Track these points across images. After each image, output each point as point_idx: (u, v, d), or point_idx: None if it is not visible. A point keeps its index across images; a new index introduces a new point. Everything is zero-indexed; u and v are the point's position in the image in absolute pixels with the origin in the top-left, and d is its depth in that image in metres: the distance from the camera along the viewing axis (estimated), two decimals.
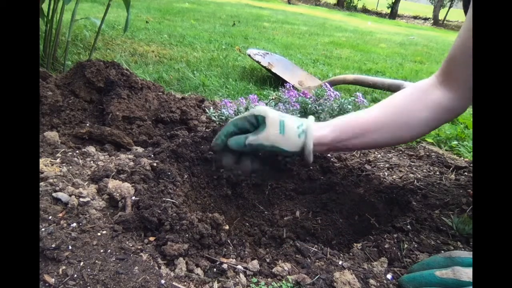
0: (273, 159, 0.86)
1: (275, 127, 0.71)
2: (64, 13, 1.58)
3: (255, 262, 0.61)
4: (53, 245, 0.55)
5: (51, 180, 0.71)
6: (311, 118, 0.76)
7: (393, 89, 1.80)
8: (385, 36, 5.41)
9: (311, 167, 0.99)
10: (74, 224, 0.62)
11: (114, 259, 0.56)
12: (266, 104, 1.16)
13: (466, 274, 0.51)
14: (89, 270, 0.52)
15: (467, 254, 0.54)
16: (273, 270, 0.59)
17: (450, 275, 0.52)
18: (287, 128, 0.71)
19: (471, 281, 0.50)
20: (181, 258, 0.59)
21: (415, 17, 14.23)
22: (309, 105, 1.23)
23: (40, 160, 0.77)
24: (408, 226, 0.72)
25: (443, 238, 0.68)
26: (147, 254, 0.58)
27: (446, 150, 1.21)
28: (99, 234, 0.61)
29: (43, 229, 0.58)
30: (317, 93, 1.31)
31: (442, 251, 0.63)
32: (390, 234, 0.70)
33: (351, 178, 0.94)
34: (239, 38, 3.36)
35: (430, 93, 0.74)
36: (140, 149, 0.96)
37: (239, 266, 0.59)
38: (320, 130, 0.73)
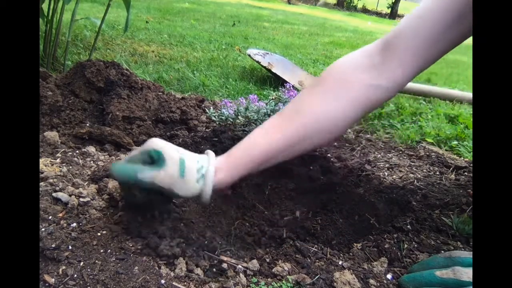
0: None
1: (175, 168, 0.58)
2: (64, 13, 1.58)
3: (255, 262, 0.61)
4: (53, 245, 0.55)
5: (51, 180, 0.71)
6: (211, 155, 0.65)
7: None
8: None
9: (311, 167, 0.99)
10: (74, 224, 0.62)
11: (114, 259, 0.56)
12: (266, 104, 1.16)
13: (466, 274, 0.51)
14: (89, 270, 0.52)
15: (467, 254, 0.55)
16: (273, 270, 0.59)
17: (450, 275, 0.52)
18: (187, 170, 0.59)
19: (471, 281, 0.50)
20: (181, 258, 0.59)
21: None
22: None
23: (40, 160, 0.77)
24: (408, 226, 0.72)
25: (443, 238, 0.68)
26: (147, 254, 0.58)
27: (446, 150, 1.21)
28: (99, 234, 0.61)
29: (43, 229, 0.58)
30: None
31: (442, 251, 0.63)
32: (390, 234, 0.70)
33: (351, 178, 0.94)
34: (239, 38, 3.36)
35: (356, 81, 0.65)
36: None
37: (239, 266, 0.59)
38: (220, 173, 0.63)
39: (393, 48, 0.64)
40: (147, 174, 0.58)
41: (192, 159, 0.61)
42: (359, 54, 0.68)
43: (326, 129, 0.66)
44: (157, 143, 0.61)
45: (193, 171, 0.60)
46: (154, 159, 0.59)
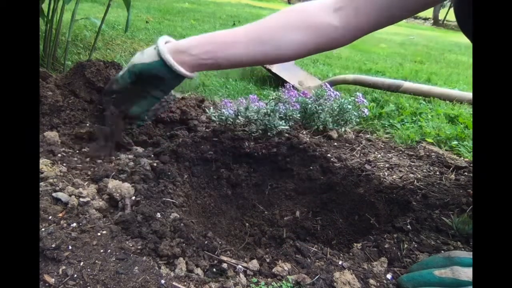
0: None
1: (136, 56, 0.78)
2: (64, 13, 1.58)
3: (255, 262, 0.61)
4: (53, 245, 0.55)
5: (51, 180, 0.71)
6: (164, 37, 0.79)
7: (393, 89, 1.80)
8: (385, 36, 5.41)
9: (311, 167, 0.99)
10: (74, 224, 0.62)
11: (114, 259, 0.56)
12: (266, 104, 1.16)
13: (465, 273, 0.51)
14: (89, 270, 0.52)
15: (466, 254, 0.55)
16: (273, 270, 0.59)
17: (449, 275, 0.52)
18: (145, 52, 0.77)
19: (470, 280, 0.50)
20: (181, 258, 0.59)
21: (415, 17, 14.23)
22: (309, 105, 1.23)
23: (40, 160, 0.77)
24: (408, 226, 0.72)
25: (443, 238, 0.68)
26: (147, 254, 0.59)
27: (446, 150, 1.21)
28: (99, 234, 0.61)
29: (43, 229, 0.58)
30: (317, 93, 1.31)
31: (442, 251, 0.63)
32: (390, 234, 0.70)
33: (351, 178, 0.94)
34: None
35: (316, 17, 0.71)
36: (140, 149, 0.96)
37: (239, 266, 0.59)
38: (179, 42, 0.76)
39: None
40: (120, 72, 0.81)
41: (149, 48, 0.78)
42: None
43: (285, 56, 0.75)
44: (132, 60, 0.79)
45: (150, 50, 0.77)
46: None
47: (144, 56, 0.77)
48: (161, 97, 0.83)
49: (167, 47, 0.75)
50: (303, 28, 0.72)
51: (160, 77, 0.77)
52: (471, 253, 0.55)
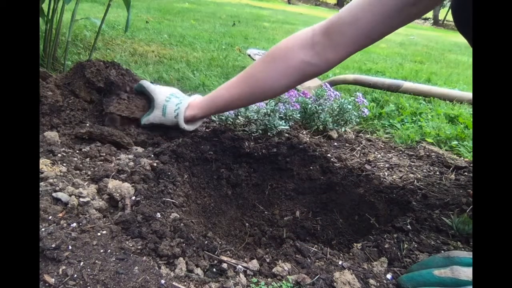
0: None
1: (159, 110, 0.99)
2: (64, 13, 1.58)
3: (255, 262, 0.61)
4: (53, 245, 0.55)
5: (51, 180, 0.71)
6: (193, 97, 1.00)
7: (393, 89, 1.80)
8: None
9: (311, 167, 0.99)
10: (74, 224, 0.62)
11: (114, 259, 0.56)
12: (266, 104, 1.16)
13: (465, 273, 0.51)
14: (89, 270, 0.52)
15: (466, 254, 0.55)
16: (273, 270, 0.59)
17: (449, 274, 0.52)
18: (167, 111, 0.98)
19: (469, 280, 0.50)
20: (181, 258, 0.59)
21: None
22: (309, 105, 1.23)
23: (40, 160, 0.77)
24: (408, 226, 0.72)
25: (443, 238, 0.68)
26: (147, 254, 0.59)
27: (446, 150, 1.21)
28: (99, 234, 0.61)
29: (43, 229, 0.58)
30: (317, 93, 1.31)
31: (442, 251, 0.63)
32: (390, 234, 0.70)
33: (351, 178, 0.94)
34: (239, 38, 3.36)
35: (296, 59, 0.81)
36: (140, 149, 0.96)
37: (239, 266, 0.59)
38: (193, 110, 0.97)
39: (332, 33, 0.77)
40: (145, 119, 1.01)
41: (173, 103, 0.98)
42: (305, 32, 0.82)
43: (267, 91, 0.88)
44: (151, 89, 1.01)
45: (171, 110, 0.98)
46: (150, 100, 1.02)
47: (168, 121, 0.99)
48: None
49: (182, 119, 0.97)
50: (287, 75, 0.84)
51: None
52: (471, 253, 0.55)
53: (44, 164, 0.76)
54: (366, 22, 0.71)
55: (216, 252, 0.62)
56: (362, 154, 1.10)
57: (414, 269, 0.59)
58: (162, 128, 1.03)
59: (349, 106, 1.24)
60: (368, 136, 1.28)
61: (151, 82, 1.10)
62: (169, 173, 0.82)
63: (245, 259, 0.62)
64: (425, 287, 0.53)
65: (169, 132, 1.04)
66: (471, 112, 1.51)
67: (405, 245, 0.66)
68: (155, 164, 0.85)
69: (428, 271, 0.55)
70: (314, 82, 1.97)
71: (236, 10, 6.15)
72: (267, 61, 0.86)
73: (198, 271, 0.58)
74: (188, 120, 0.98)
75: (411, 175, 0.96)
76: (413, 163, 1.06)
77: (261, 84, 0.87)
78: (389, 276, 0.59)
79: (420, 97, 1.78)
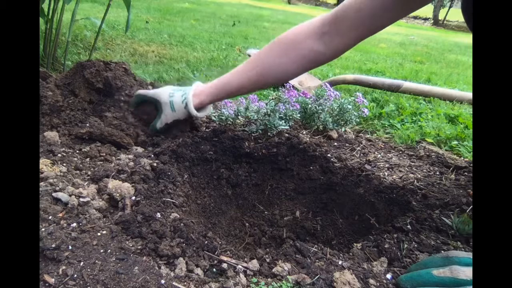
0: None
1: (168, 108, 0.98)
2: (64, 13, 1.58)
3: (255, 262, 0.61)
4: (53, 245, 0.55)
5: (51, 180, 0.71)
6: (194, 86, 1.00)
7: (393, 89, 1.80)
8: (385, 36, 5.41)
9: (311, 167, 0.99)
10: (74, 224, 0.62)
11: (114, 259, 0.56)
12: (266, 104, 1.16)
13: (464, 272, 0.51)
14: (89, 270, 0.52)
15: (465, 254, 0.54)
16: (273, 270, 0.59)
17: (448, 274, 0.52)
18: (175, 105, 0.97)
19: (468, 279, 0.50)
20: (181, 258, 0.59)
21: (415, 17, 14.21)
22: (309, 105, 1.23)
23: (40, 160, 0.77)
24: (408, 226, 0.72)
25: (443, 238, 0.68)
26: (147, 254, 0.58)
27: (446, 150, 1.21)
28: (99, 234, 0.61)
29: (43, 229, 0.58)
30: (317, 93, 1.31)
31: (442, 251, 0.63)
32: (390, 234, 0.70)
33: (351, 178, 0.94)
34: (239, 38, 3.36)
35: (305, 47, 0.84)
36: (140, 149, 0.96)
37: (239, 266, 0.59)
38: (200, 97, 0.98)
39: (339, 23, 0.80)
40: (158, 123, 1.00)
41: (178, 96, 0.98)
42: (314, 22, 0.85)
43: (277, 77, 0.91)
44: (154, 94, 1.00)
45: (179, 104, 0.97)
46: (156, 105, 1.00)
47: (179, 114, 0.99)
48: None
49: (192, 107, 0.97)
50: (296, 62, 0.86)
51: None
52: (470, 253, 0.55)
53: (44, 164, 0.76)
54: (368, 12, 0.75)
55: (216, 252, 0.62)
56: (362, 154, 1.10)
57: (413, 269, 0.59)
58: (177, 125, 1.03)
59: (349, 106, 1.24)
60: (368, 136, 1.28)
61: (151, 83, 1.10)
62: (169, 173, 0.82)
63: (245, 259, 0.62)
64: (424, 287, 0.53)
65: (179, 127, 1.04)
66: (471, 112, 1.51)
67: (405, 245, 0.66)
68: (155, 164, 0.85)
69: (427, 271, 0.55)
70: (314, 82, 1.97)
71: (236, 10, 6.15)
72: (276, 49, 0.88)
73: (198, 271, 0.58)
74: (197, 108, 0.98)
75: (411, 175, 0.96)
76: (413, 163, 1.06)
77: (269, 71, 0.89)
78: (389, 276, 0.59)
79: (420, 97, 1.78)
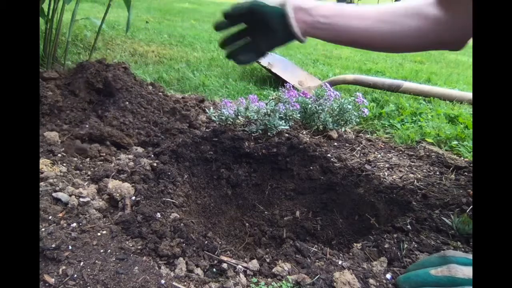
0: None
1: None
2: (64, 13, 1.58)
3: (255, 262, 0.61)
4: (53, 245, 0.55)
5: (51, 180, 0.71)
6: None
7: (393, 89, 1.80)
8: None
9: (311, 167, 0.99)
10: (74, 224, 0.62)
11: (114, 259, 0.56)
12: (266, 104, 1.16)
13: (462, 271, 0.51)
14: (89, 270, 0.52)
15: (462, 254, 0.54)
16: (273, 270, 0.59)
17: (445, 273, 0.52)
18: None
19: (466, 278, 0.50)
20: (181, 258, 0.59)
21: None
22: (309, 105, 1.23)
23: (40, 160, 0.77)
24: (408, 226, 0.72)
25: (443, 238, 0.68)
26: (147, 254, 0.58)
27: (446, 150, 1.21)
28: (99, 234, 0.61)
29: (43, 229, 0.58)
30: (317, 93, 1.31)
31: (442, 251, 0.63)
32: (390, 234, 0.70)
33: (351, 178, 0.94)
34: None
35: (423, 9, 0.71)
36: (140, 149, 0.96)
37: (239, 266, 0.59)
38: (304, 0, 0.73)
39: None
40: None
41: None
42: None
43: (399, 44, 0.74)
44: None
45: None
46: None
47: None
48: (267, 50, 0.79)
49: (292, 2, 0.72)
50: (417, 17, 0.71)
51: (272, 27, 0.74)
52: (467, 253, 0.55)
53: (44, 164, 0.76)
54: None
55: (216, 252, 0.62)
56: (362, 154, 1.10)
57: (410, 270, 0.59)
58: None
59: (349, 106, 1.24)
60: (368, 136, 1.28)
61: (151, 83, 1.06)
62: (169, 173, 0.82)
63: (245, 259, 0.62)
64: (423, 287, 0.53)
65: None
66: (471, 112, 1.51)
67: (405, 245, 0.66)
68: (155, 164, 0.85)
69: (425, 270, 0.55)
70: (314, 82, 1.97)
71: None
72: (402, 15, 0.72)
73: (198, 271, 0.58)
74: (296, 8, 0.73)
75: (411, 175, 0.96)
76: (413, 163, 1.06)
77: (394, 17, 0.73)
78: (388, 276, 0.59)
79: (420, 97, 1.78)
